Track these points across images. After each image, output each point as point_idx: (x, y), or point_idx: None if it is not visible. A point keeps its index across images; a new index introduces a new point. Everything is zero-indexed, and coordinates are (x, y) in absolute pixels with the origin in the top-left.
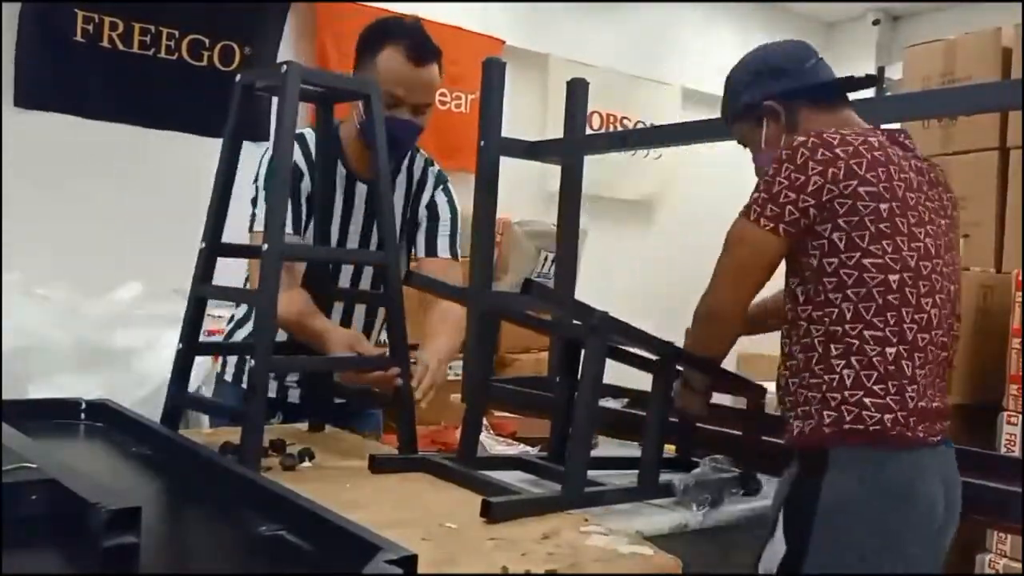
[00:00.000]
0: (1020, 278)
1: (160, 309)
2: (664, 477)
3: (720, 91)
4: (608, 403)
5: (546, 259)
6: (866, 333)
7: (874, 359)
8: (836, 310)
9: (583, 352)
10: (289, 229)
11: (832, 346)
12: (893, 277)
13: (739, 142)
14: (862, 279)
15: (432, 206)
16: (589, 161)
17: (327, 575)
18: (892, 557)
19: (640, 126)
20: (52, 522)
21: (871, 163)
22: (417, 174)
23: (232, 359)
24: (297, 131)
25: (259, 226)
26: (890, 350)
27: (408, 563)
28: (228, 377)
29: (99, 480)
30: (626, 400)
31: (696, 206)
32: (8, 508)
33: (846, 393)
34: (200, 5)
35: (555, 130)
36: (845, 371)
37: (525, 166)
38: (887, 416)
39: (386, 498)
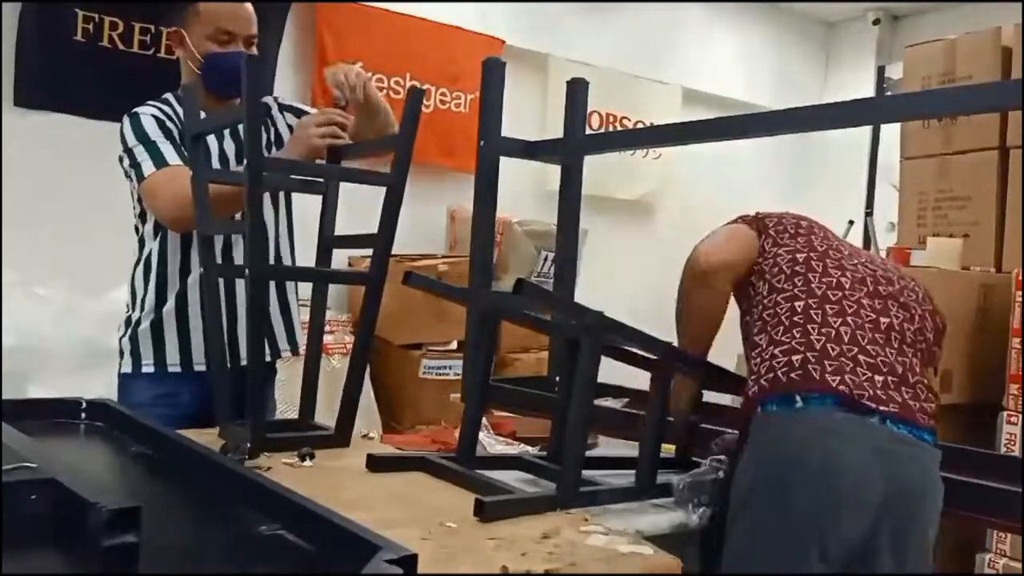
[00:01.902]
0: (1020, 278)
1: None
2: (664, 477)
3: (720, 91)
4: (608, 403)
5: (546, 259)
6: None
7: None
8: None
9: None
10: (178, 161)
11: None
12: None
13: None
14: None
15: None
16: (589, 161)
17: (327, 575)
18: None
19: (640, 126)
20: (52, 522)
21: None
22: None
23: (147, 346)
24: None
25: (151, 167)
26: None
27: (408, 563)
28: (147, 368)
29: (99, 480)
30: (626, 400)
31: (696, 206)
32: (8, 508)
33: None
34: None
35: (555, 130)
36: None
37: (525, 166)
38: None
39: (386, 498)
